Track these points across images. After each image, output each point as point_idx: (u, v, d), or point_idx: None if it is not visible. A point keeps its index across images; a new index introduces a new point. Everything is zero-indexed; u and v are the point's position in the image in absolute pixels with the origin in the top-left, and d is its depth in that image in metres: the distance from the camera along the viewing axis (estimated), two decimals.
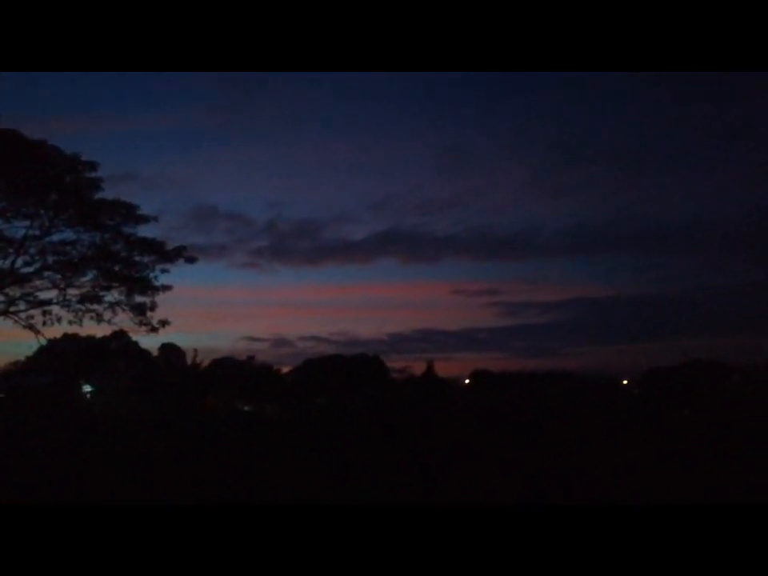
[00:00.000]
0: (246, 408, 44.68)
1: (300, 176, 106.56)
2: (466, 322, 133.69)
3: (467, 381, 61.97)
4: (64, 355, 40.09)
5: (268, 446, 19.87)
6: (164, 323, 24.43)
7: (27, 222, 22.32)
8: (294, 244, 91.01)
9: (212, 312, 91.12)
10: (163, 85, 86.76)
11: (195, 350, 45.82)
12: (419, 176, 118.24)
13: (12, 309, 22.84)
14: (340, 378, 46.73)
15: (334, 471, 13.65)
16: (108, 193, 23.44)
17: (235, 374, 46.63)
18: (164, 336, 43.72)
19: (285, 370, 55.69)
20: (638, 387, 54.66)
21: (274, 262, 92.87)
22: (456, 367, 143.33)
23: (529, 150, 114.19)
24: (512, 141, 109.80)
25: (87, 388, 39.92)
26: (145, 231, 24.33)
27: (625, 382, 57.62)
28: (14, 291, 22.82)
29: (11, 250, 22.31)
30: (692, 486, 10.86)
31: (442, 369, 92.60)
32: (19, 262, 22.56)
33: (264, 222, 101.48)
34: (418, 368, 59.79)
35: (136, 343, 43.70)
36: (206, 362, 47.81)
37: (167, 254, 24.52)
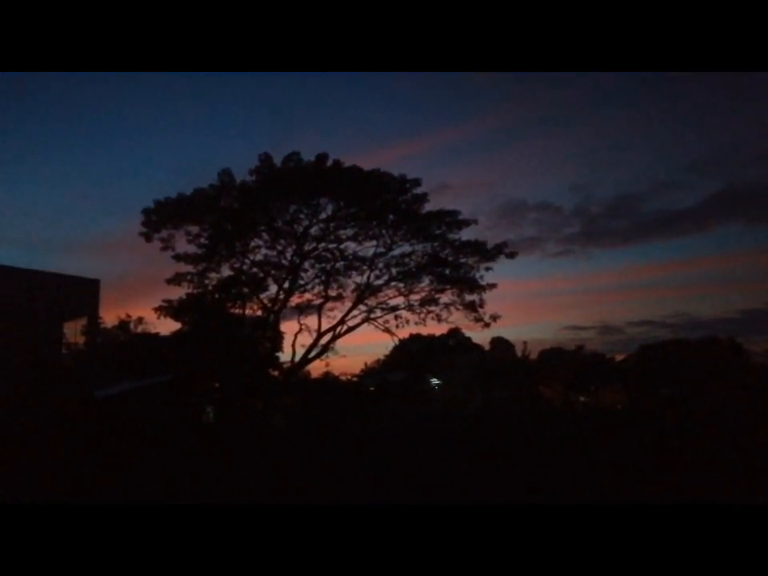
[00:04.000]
0: (581, 398, 43.54)
1: (603, 152, 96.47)
2: None
3: None
4: (412, 353, 46.02)
5: (612, 438, 18.92)
6: (495, 318, 25.98)
7: (374, 242, 26.36)
8: (608, 224, 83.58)
9: (533, 304, 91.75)
10: (451, 98, 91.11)
11: (524, 342, 46.92)
12: (754, 117, 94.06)
13: (372, 316, 27.30)
14: (686, 365, 41.57)
15: (691, 472, 12.13)
16: (430, 205, 25.99)
17: (565, 364, 45.92)
18: (492, 331, 46.18)
19: (618, 358, 52.30)
20: None
21: (588, 247, 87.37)
22: None
23: None
24: None
25: (434, 381, 44.72)
26: (465, 235, 26.16)
27: None
28: (372, 302, 27.24)
29: (365, 267, 26.67)
30: None
31: None
32: (372, 276, 26.82)
33: (572, 207, 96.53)
34: None
35: (469, 339, 47.37)
36: (534, 354, 48.41)
37: (488, 253, 25.85)
